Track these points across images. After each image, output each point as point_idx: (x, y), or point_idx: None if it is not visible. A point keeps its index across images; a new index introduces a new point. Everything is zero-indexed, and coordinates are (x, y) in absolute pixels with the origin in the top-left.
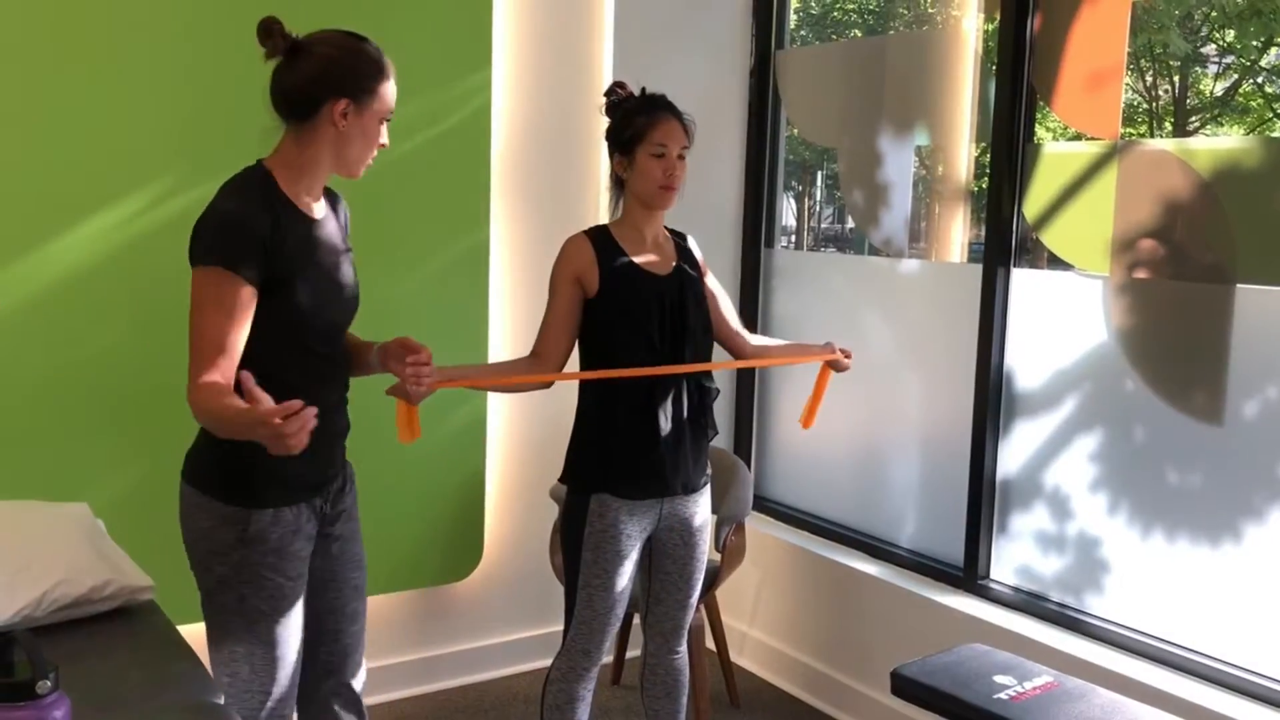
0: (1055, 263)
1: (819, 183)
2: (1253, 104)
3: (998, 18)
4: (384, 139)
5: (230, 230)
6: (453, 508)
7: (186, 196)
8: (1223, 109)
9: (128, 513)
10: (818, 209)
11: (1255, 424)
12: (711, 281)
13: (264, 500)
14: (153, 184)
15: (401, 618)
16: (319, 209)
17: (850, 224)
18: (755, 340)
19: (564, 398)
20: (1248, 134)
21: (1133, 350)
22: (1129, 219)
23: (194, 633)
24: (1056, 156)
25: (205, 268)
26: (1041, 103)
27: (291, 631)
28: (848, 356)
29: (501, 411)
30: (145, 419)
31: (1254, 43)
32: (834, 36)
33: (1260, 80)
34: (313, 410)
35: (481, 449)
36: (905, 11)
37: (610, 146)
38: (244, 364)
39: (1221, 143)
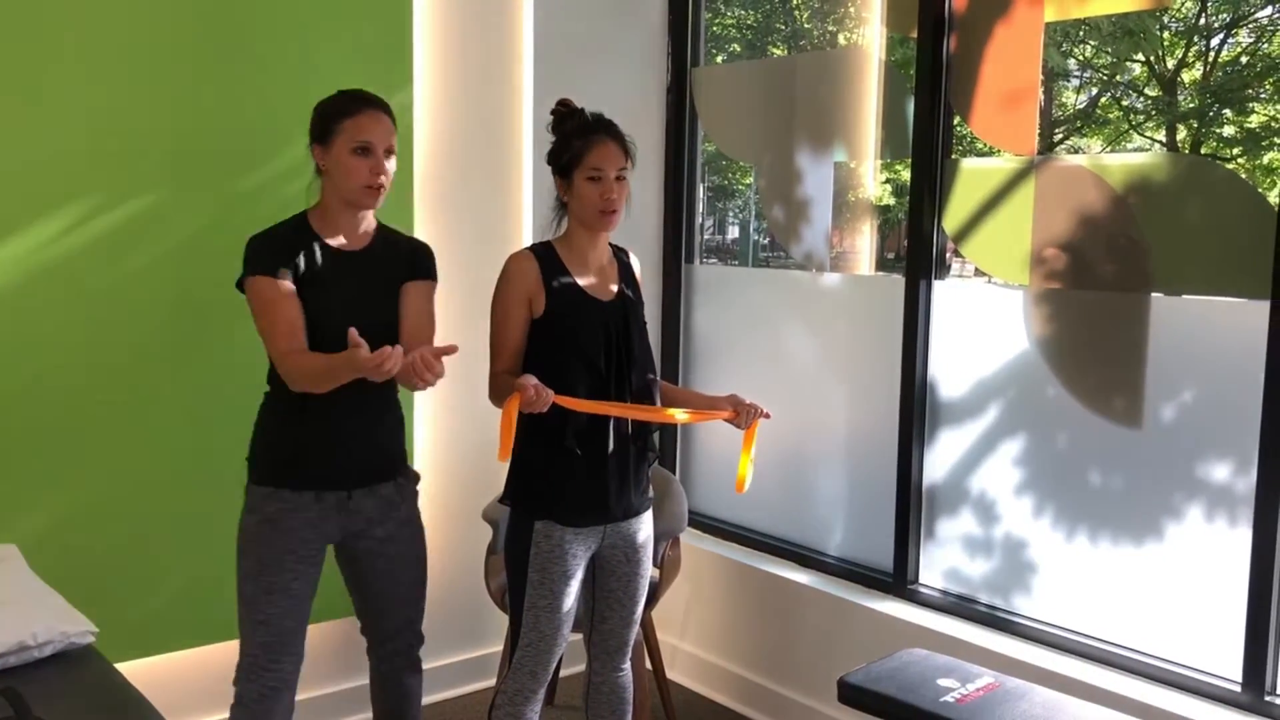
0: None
1: (700, 194)
2: (1111, 115)
3: (905, 37)
4: (378, 167)
5: (258, 250)
6: None
7: (115, 214)
8: (1085, 121)
9: (55, 550)
10: (699, 220)
11: (1172, 426)
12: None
13: (263, 478)
14: (81, 200)
15: (329, 646)
16: (355, 242)
17: (733, 235)
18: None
19: (490, 415)
20: (1107, 145)
21: (1053, 358)
22: (1047, 231)
23: (134, 670)
24: (975, 171)
25: (249, 279)
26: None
27: (277, 600)
28: (757, 416)
29: (429, 433)
30: (68, 447)
31: (1114, 59)
32: (773, 50)
33: (1118, 94)
34: (397, 350)
35: None
36: (812, 29)
37: (551, 168)
38: (271, 368)
39: (1133, 158)
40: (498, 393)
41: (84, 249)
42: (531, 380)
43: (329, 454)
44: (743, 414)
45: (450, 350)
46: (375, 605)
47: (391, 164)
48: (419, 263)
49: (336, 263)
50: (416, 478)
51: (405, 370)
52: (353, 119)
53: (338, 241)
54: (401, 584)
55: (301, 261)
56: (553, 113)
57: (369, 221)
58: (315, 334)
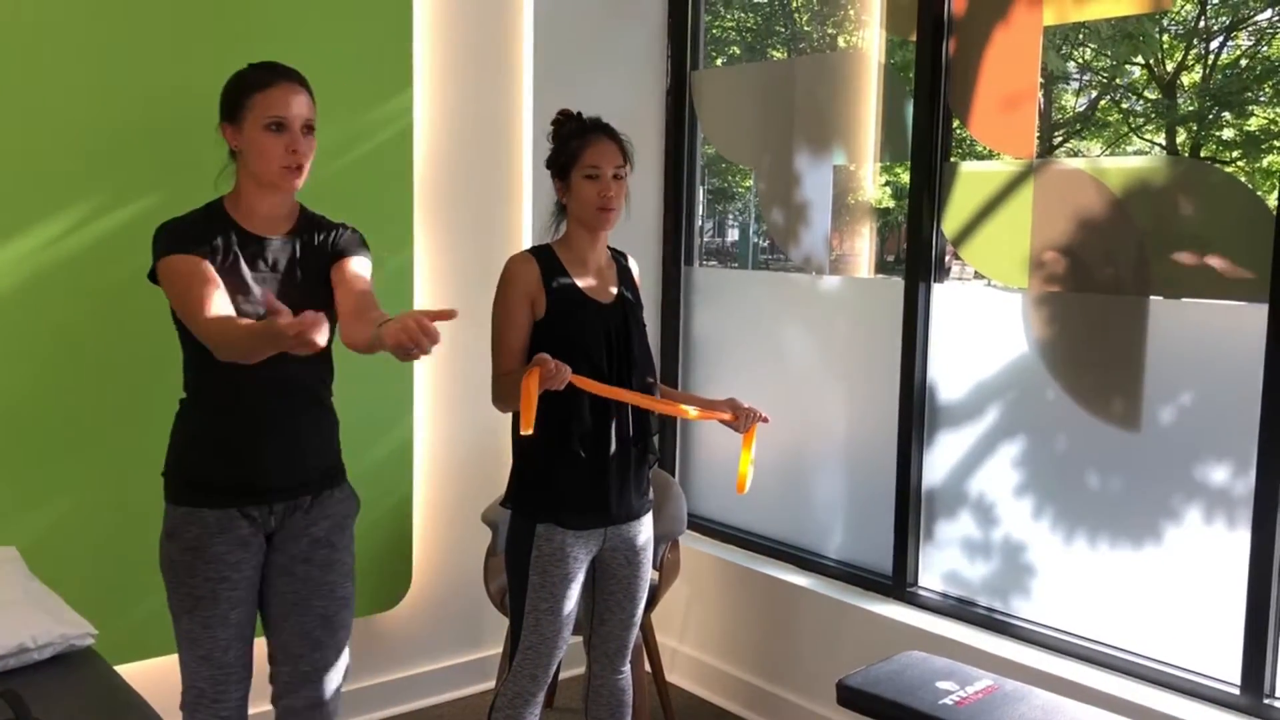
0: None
1: (700, 197)
2: (1110, 119)
3: (904, 40)
4: (293, 144)
5: (175, 231)
6: (380, 535)
7: (110, 219)
8: (1084, 124)
9: (54, 552)
10: (699, 222)
11: (1170, 429)
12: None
13: (180, 498)
14: (82, 201)
15: None
16: (274, 228)
17: (732, 237)
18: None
19: (490, 418)
20: (1106, 149)
21: (1052, 360)
22: (1046, 235)
23: (134, 672)
24: (974, 175)
25: (162, 260)
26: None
27: (216, 634)
28: (755, 420)
29: (429, 436)
30: (69, 449)
31: (1113, 62)
32: (773, 53)
33: (1117, 97)
34: (320, 316)
35: (409, 474)
36: (812, 32)
37: (551, 172)
38: (187, 370)
39: (1132, 161)
40: (502, 396)
41: (83, 251)
42: (549, 357)
43: (254, 465)
44: (741, 417)
45: (448, 315)
46: (278, 640)
47: (311, 141)
48: (348, 242)
49: (258, 251)
50: (356, 499)
51: (396, 337)
52: (264, 92)
53: (256, 228)
54: (308, 622)
55: (220, 248)
56: (553, 123)
57: (290, 206)
58: None
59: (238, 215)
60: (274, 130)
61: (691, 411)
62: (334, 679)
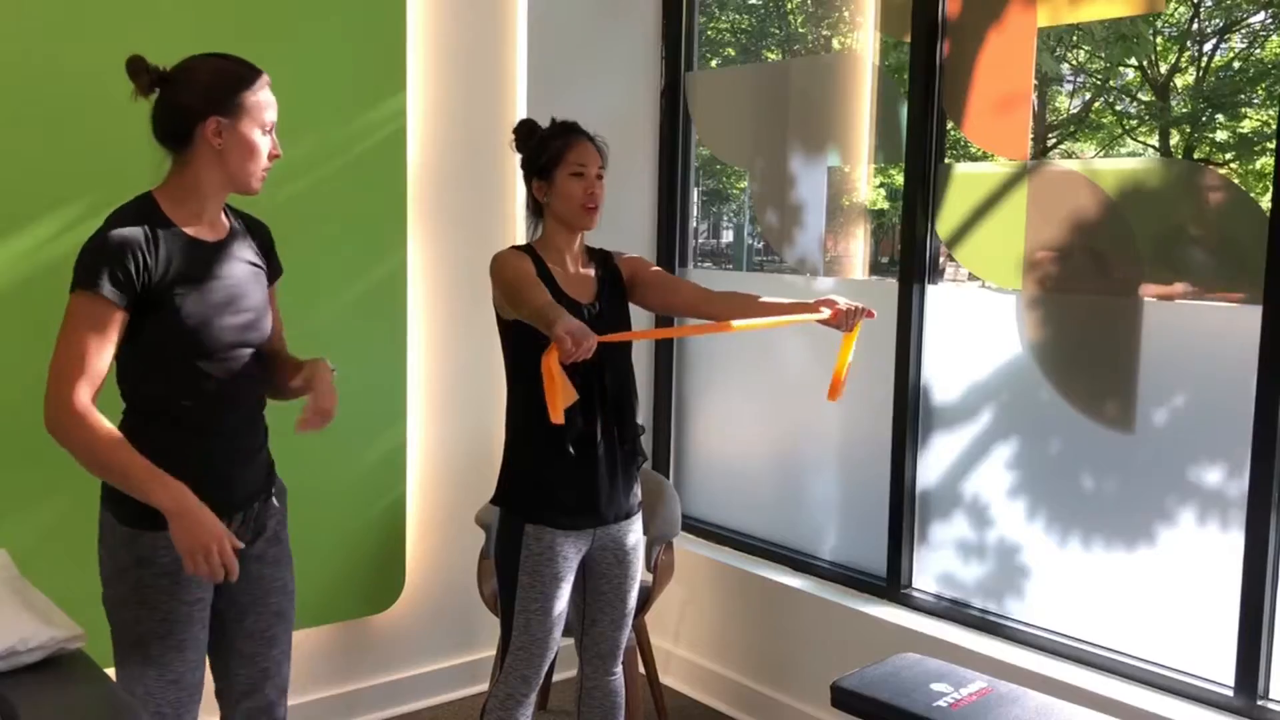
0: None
1: (694, 198)
2: (1104, 120)
3: (899, 42)
4: (275, 148)
5: (100, 254)
6: (373, 537)
7: (101, 219)
8: (1078, 126)
9: (46, 554)
10: (693, 224)
11: (1164, 431)
12: (651, 269)
13: (157, 522)
14: (79, 200)
15: (322, 652)
16: (215, 232)
17: (727, 239)
18: (724, 292)
19: (483, 420)
20: (1100, 150)
21: (1046, 362)
22: (1040, 236)
23: None
24: (968, 176)
25: (72, 293)
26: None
27: (188, 656)
28: (861, 316)
29: (422, 438)
30: (59, 452)
31: (1107, 65)
32: (768, 54)
33: (1111, 98)
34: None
35: (402, 476)
36: (806, 34)
37: (527, 173)
38: (135, 387)
39: (1126, 163)
40: (543, 319)
41: (76, 251)
42: (570, 326)
43: (218, 480)
44: (843, 316)
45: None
46: (232, 645)
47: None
48: (273, 255)
49: (203, 256)
50: (281, 488)
51: (317, 415)
52: (262, 93)
53: (199, 232)
54: (264, 619)
55: (160, 258)
56: (516, 131)
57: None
58: (194, 339)
59: (180, 218)
60: (268, 134)
61: (738, 324)
62: (287, 672)
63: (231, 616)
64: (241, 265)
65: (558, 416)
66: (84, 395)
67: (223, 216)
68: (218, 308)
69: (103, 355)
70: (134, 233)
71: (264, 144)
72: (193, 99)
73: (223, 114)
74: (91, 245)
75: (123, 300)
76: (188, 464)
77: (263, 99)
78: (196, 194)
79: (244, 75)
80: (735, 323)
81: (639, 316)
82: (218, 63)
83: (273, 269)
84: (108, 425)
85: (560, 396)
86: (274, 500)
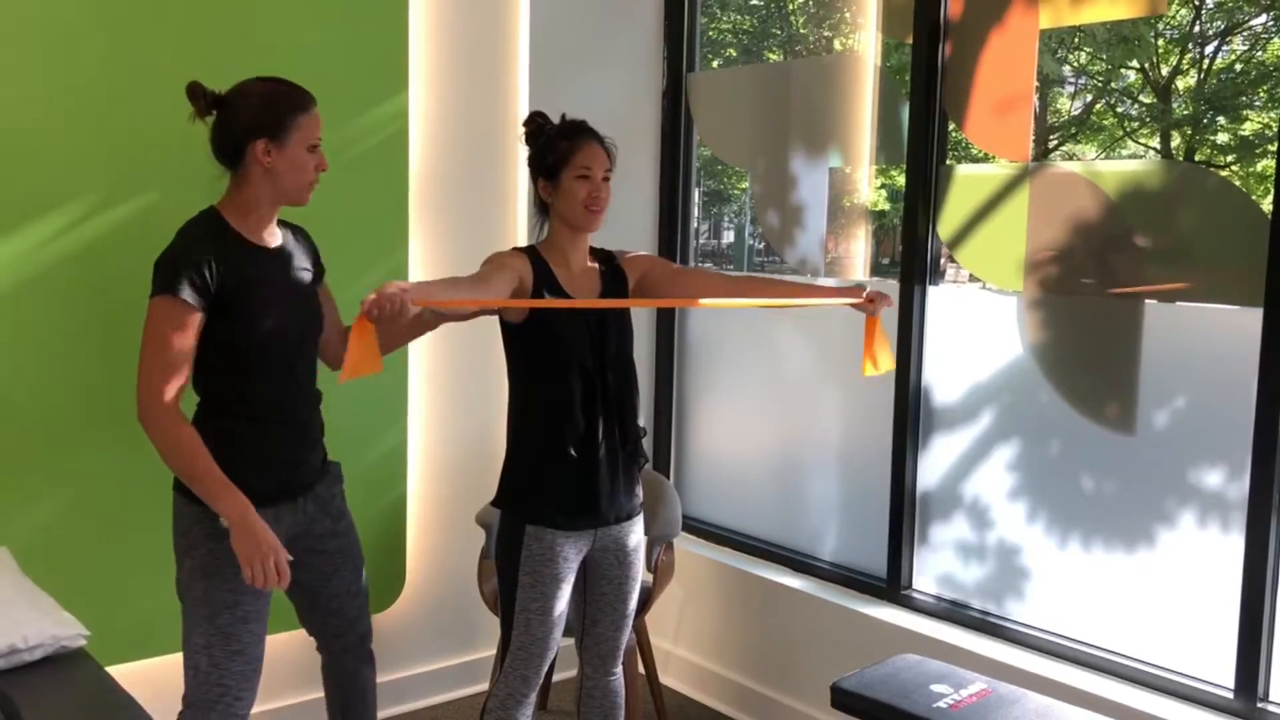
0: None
1: (695, 199)
2: (1105, 122)
3: (900, 43)
4: (322, 163)
5: (178, 262)
6: (373, 537)
7: (111, 215)
8: (1080, 128)
9: (47, 552)
10: (694, 224)
11: (1165, 433)
12: (665, 265)
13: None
14: (77, 200)
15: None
16: (273, 239)
17: (728, 239)
18: (746, 275)
19: (484, 420)
20: (1101, 152)
21: (1047, 364)
22: (1041, 238)
23: (126, 674)
24: (969, 178)
25: (154, 298)
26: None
27: (253, 628)
28: (873, 301)
29: (422, 438)
30: (61, 449)
31: (1109, 66)
32: (769, 55)
33: (1112, 101)
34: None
35: (402, 476)
36: (808, 35)
37: (534, 172)
38: (210, 381)
39: (1127, 165)
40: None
41: (80, 250)
42: (391, 284)
43: (287, 463)
44: (878, 301)
45: None
46: (326, 606)
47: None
48: (319, 256)
49: (267, 262)
50: (337, 466)
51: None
52: (308, 115)
53: (261, 240)
54: (346, 578)
55: (230, 264)
56: (526, 124)
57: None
58: (264, 337)
59: (247, 229)
60: (311, 151)
61: (748, 303)
62: (366, 601)
63: (317, 586)
64: (299, 268)
65: (345, 376)
66: (172, 392)
67: (274, 225)
68: (283, 307)
69: (186, 353)
70: (206, 243)
71: (310, 160)
72: (243, 122)
73: (270, 136)
74: (169, 254)
75: (200, 303)
76: (258, 450)
77: (308, 120)
78: (254, 208)
79: (294, 99)
80: (746, 300)
81: (647, 315)
82: (269, 87)
83: (320, 268)
84: (190, 427)
85: (361, 361)
86: (331, 479)
